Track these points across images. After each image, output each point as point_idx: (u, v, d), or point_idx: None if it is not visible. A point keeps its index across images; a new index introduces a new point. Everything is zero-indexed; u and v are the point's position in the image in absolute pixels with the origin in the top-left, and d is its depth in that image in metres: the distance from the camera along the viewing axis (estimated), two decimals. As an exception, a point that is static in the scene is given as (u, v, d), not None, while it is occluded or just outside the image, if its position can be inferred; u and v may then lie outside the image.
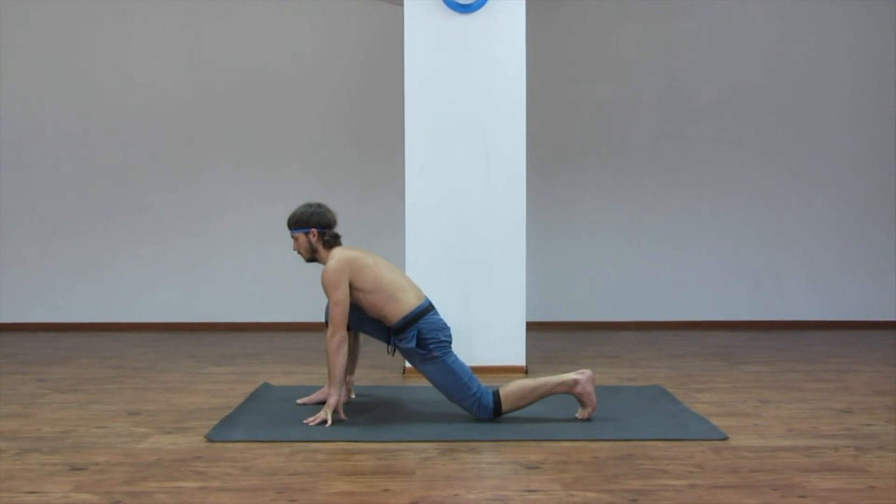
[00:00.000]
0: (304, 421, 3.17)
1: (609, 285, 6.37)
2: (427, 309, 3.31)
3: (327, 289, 3.25)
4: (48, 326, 6.31)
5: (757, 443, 2.90)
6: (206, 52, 6.36)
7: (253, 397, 3.69)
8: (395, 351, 3.43)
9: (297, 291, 6.38)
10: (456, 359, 3.28)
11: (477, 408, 3.22)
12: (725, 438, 2.94)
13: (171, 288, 6.37)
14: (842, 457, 2.73)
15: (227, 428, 3.09)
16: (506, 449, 2.85)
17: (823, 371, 4.44)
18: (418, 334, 3.24)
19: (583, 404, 3.24)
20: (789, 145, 6.39)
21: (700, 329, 6.28)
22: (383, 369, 4.42)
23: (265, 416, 3.30)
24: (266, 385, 3.97)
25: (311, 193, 6.34)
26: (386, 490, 2.38)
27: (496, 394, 3.21)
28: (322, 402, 3.39)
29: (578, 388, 3.21)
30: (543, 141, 6.14)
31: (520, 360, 4.38)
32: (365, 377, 4.13)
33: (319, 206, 3.46)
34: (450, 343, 3.30)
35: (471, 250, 4.39)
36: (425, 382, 3.88)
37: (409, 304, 3.28)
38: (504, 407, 3.21)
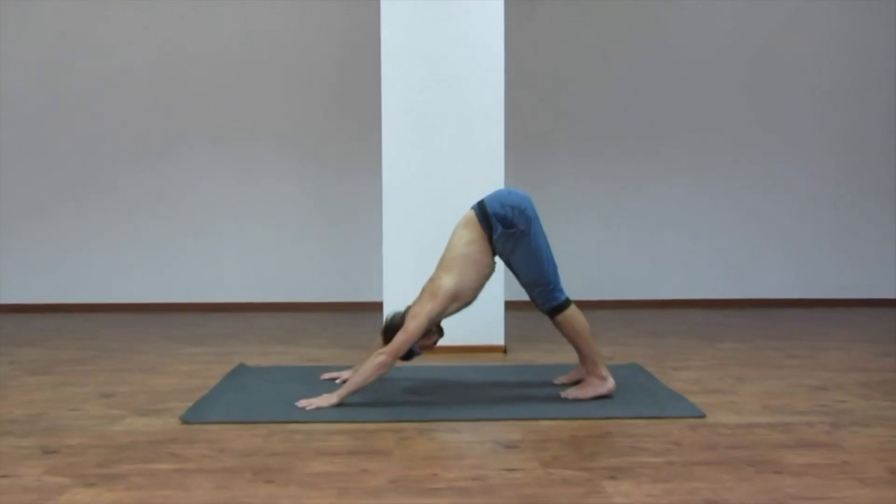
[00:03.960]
0: (298, 404, 3.09)
1: (587, 264, 6.38)
2: (481, 202, 3.32)
3: (431, 299, 3.18)
4: (19, 307, 6.21)
5: (733, 420, 2.93)
6: (181, 29, 6.24)
7: (229, 378, 3.65)
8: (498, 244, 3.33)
9: (273, 271, 6.33)
10: (535, 238, 3.24)
11: (543, 297, 3.25)
12: (703, 416, 2.96)
13: (145, 267, 6.29)
14: (816, 433, 2.76)
15: (203, 409, 3.06)
16: (484, 428, 2.85)
17: (798, 348, 4.49)
18: (496, 216, 3.23)
19: (579, 386, 3.27)
20: (761, 126, 6.42)
21: (677, 307, 6.33)
22: (362, 349, 4.40)
23: (242, 397, 3.28)
24: (242, 366, 3.94)
25: (287, 170, 6.34)
26: (364, 470, 2.37)
27: (569, 301, 3.26)
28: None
29: (594, 380, 3.23)
30: (522, 121, 6.11)
31: (499, 339, 4.38)
32: (343, 359, 4.09)
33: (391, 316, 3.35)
34: (528, 214, 3.25)
35: (448, 228, 4.35)
36: (403, 363, 3.85)
37: (474, 227, 3.29)
38: (562, 315, 3.23)
